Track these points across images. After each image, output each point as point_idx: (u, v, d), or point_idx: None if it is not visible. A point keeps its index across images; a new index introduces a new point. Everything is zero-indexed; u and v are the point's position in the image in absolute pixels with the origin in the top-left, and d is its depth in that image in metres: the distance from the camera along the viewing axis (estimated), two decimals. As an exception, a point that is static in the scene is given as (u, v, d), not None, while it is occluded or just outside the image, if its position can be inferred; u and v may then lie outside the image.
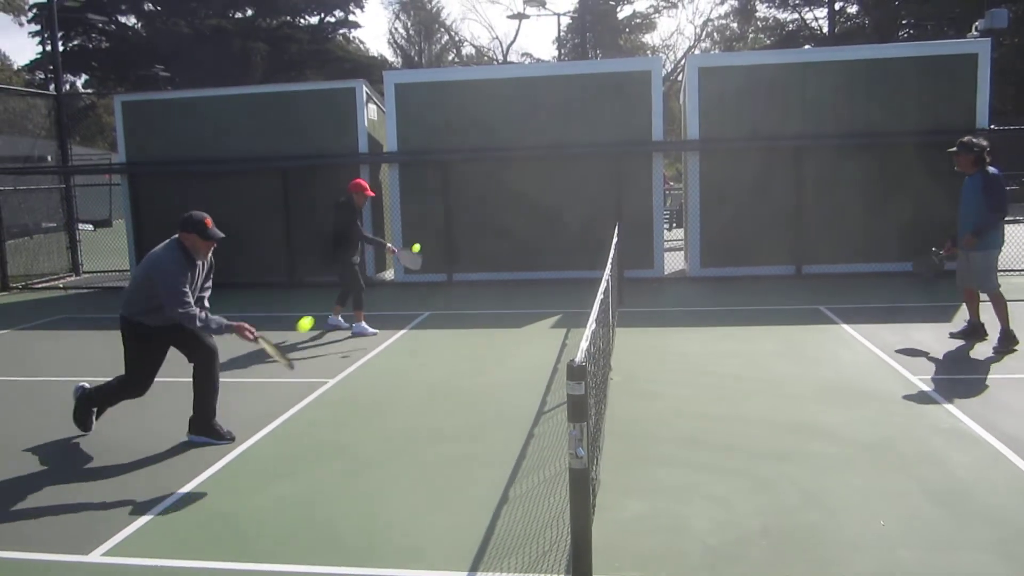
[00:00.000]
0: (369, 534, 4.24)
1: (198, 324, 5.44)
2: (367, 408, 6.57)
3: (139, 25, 50.82)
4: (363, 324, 9.36)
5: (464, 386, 7.11)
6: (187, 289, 5.47)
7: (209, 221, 5.58)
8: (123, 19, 50.82)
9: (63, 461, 5.56)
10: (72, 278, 15.79)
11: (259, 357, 8.49)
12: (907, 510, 4.26)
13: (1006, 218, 7.66)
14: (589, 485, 3.28)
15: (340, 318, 9.68)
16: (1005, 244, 7.81)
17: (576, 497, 3.23)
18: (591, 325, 4.11)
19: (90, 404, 6.07)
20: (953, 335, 8.12)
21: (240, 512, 4.59)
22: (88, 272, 16.22)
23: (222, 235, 5.61)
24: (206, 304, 5.93)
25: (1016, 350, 7.47)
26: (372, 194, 9.52)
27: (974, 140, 7.75)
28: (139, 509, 4.62)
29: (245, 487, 4.97)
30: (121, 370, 5.93)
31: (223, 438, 5.78)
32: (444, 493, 4.74)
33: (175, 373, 6.36)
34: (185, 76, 45.07)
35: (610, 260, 7.33)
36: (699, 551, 3.91)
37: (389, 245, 9.73)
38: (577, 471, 3.19)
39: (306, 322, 6.30)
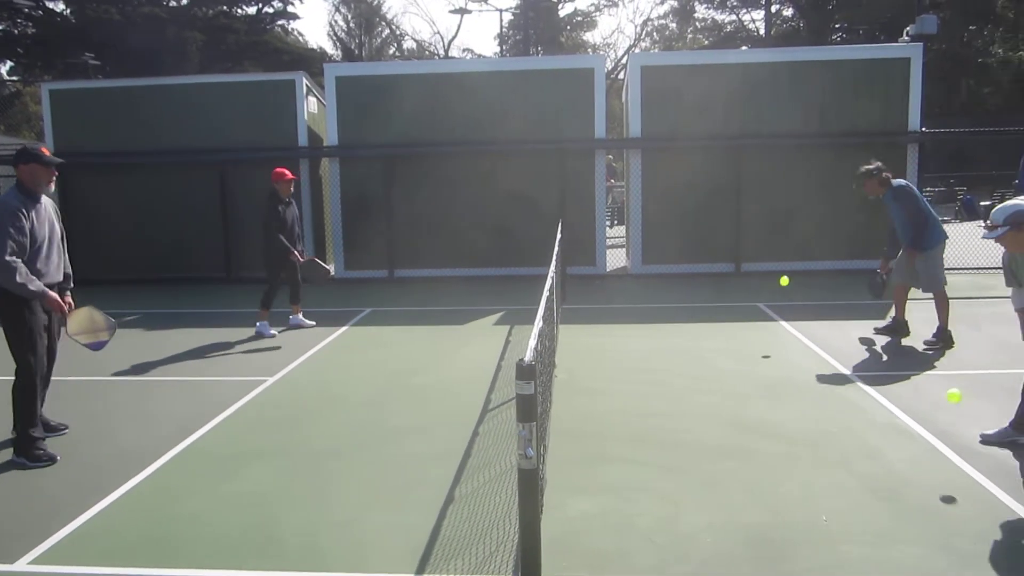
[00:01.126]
0: (311, 536, 4.13)
1: (16, 279, 5.01)
2: (308, 406, 6.43)
3: (68, 11, 49.08)
4: (266, 324, 9.02)
5: (407, 384, 7.01)
6: (15, 234, 5.03)
7: (45, 149, 5.35)
8: (51, 4, 49.01)
9: (-14, 465, 5.30)
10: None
11: (195, 355, 8.26)
12: (848, 505, 4.33)
13: (939, 218, 7.89)
14: (538, 486, 3.23)
15: (300, 316, 9.45)
16: (945, 241, 8.01)
17: (525, 497, 3.18)
18: (538, 323, 4.06)
19: (26, 433, 5.32)
20: (878, 330, 8.33)
21: (176, 515, 4.43)
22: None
23: (61, 160, 5.40)
24: (67, 269, 5.60)
25: (951, 348, 7.67)
26: (293, 177, 9.26)
27: (868, 167, 7.98)
28: (69, 514, 4.42)
29: (181, 489, 4.80)
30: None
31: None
32: (388, 493, 4.66)
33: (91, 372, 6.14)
34: (116, 65, 43.71)
35: (554, 257, 7.30)
36: (647, 549, 3.91)
37: (295, 252, 9.06)
38: (526, 471, 3.15)
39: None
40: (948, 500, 4.36)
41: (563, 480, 4.67)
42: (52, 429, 5.74)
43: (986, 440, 5.07)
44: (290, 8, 55.26)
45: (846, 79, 12.28)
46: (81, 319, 5.56)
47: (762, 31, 48.40)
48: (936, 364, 7.25)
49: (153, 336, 9.18)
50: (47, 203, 5.41)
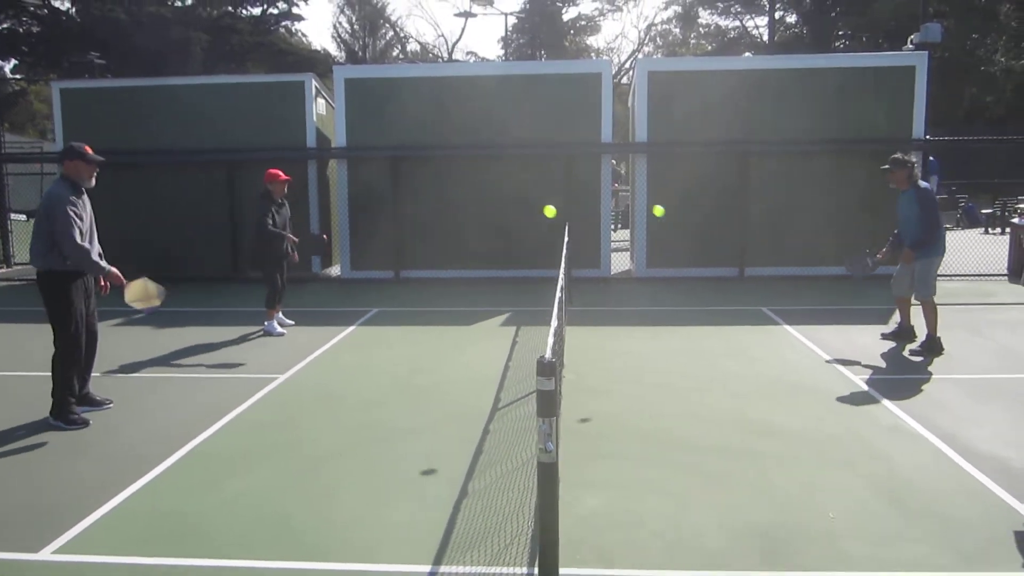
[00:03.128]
0: (328, 530, 4.22)
1: (90, 259, 5.71)
2: (319, 404, 6.52)
3: (73, 10, 49.23)
4: (274, 323, 9.16)
5: (417, 383, 7.10)
6: (76, 220, 5.68)
7: (88, 147, 5.91)
8: (56, 3, 49.19)
9: (7, 459, 5.38)
10: (3, 270, 15.25)
11: (204, 352, 8.36)
12: (854, 504, 4.42)
13: (941, 229, 7.97)
14: (558, 479, 3.32)
15: (280, 315, 9.49)
16: (944, 255, 8.10)
17: (544, 491, 3.27)
18: (554, 322, 4.15)
19: (64, 398, 5.94)
20: (884, 335, 8.43)
21: (194, 508, 4.52)
22: (20, 264, 15.68)
23: (102, 158, 5.95)
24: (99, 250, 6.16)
25: (939, 356, 7.75)
26: (287, 178, 9.30)
27: (905, 157, 8.07)
28: (90, 506, 4.51)
29: (198, 483, 4.89)
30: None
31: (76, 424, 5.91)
32: (402, 488, 4.75)
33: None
34: (121, 64, 43.82)
35: (563, 260, 7.40)
36: (656, 545, 4.00)
37: (289, 236, 9.19)
38: (546, 464, 3.23)
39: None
40: (952, 501, 4.45)
41: (573, 477, 4.76)
42: (97, 404, 6.30)
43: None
44: (295, 9, 55.43)
45: (852, 86, 12.39)
46: (136, 288, 6.05)
47: (765, 37, 48.58)
48: (937, 367, 7.34)
49: (162, 333, 9.27)
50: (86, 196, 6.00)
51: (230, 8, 51.07)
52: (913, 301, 8.14)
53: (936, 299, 7.89)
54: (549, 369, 3.19)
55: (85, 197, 5.96)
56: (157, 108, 13.26)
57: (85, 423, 5.92)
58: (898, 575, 3.70)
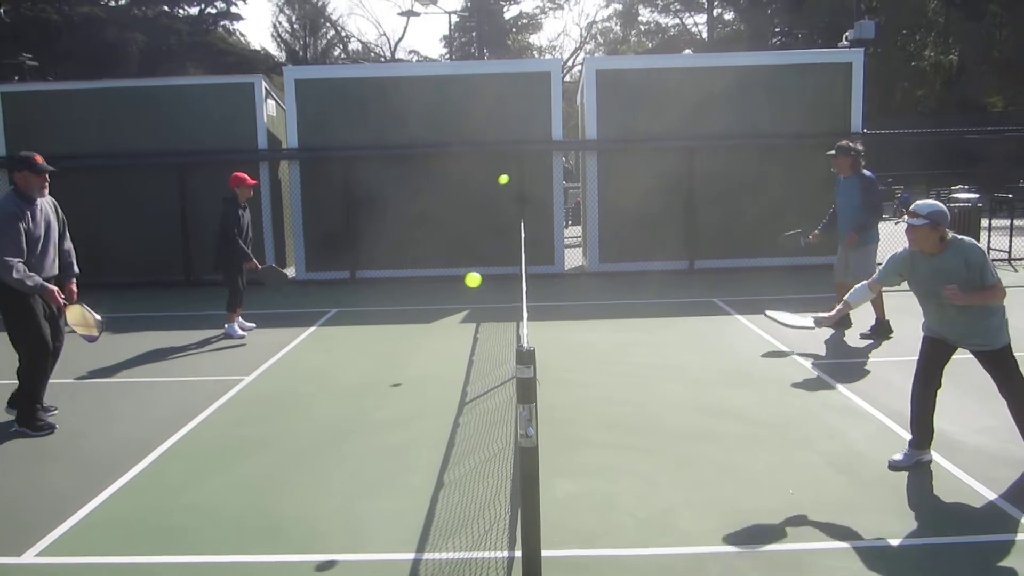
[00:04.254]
0: (311, 523, 4.32)
1: (14, 276, 5.46)
2: (289, 403, 6.58)
3: (2, 10, 47.79)
4: (235, 326, 9.12)
5: (383, 379, 7.20)
6: (13, 235, 5.48)
7: (39, 157, 5.72)
8: (-17, 3, 47.67)
9: (-26, 465, 5.35)
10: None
11: (166, 356, 8.33)
12: (813, 480, 4.68)
13: (882, 216, 8.32)
14: (538, 463, 3.48)
15: (240, 319, 9.47)
16: (879, 242, 8.47)
17: (527, 474, 3.43)
18: (526, 313, 4.31)
19: (30, 405, 5.88)
20: (864, 335, 8.37)
21: (175, 506, 4.57)
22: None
23: (52, 168, 5.76)
24: (76, 269, 6.13)
25: (889, 338, 8.13)
26: (254, 182, 9.31)
27: (851, 144, 8.34)
28: (70, 508, 4.53)
29: (176, 483, 4.94)
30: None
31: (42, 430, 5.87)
32: (380, 481, 4.86)
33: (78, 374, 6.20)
34: (54, 66, 42.70)
35: (523, 257, 7.57)
36: (630, 524, 4.19)
37: (253, 261, 9.13)
38: (527, 449, 3.40)
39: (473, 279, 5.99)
40: (904, 473, 4.73)
41: (547, 464, 4.86)
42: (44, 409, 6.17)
43: (895, 466, 4.83)
44: (233, 9, 54.61)
45: (792, 83, 12.81)
46: (75, 314, 5.93)
47: (704, 35, 49.45)
48: (881, 350, 7.70)
49: (118, 340, 9.17)
50: (45, 203, 5.81)
51: (166, 8, 50.10)
52: (894, 289, 8.47)
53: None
54: (528, 357, 3.35)
55: (42, 205, 5.75)
56: (104, 111, 13.05)
57: (51, 428, 5.90)
58: (855, 543, 3.94)
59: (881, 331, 8.23)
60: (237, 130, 12.96)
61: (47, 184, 5.78)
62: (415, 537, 4.10)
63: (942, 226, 4.51)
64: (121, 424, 6.11)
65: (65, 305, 5.84)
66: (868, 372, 6.98)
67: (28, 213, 5.61)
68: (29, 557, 4.03)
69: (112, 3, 49.26)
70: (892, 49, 37.35)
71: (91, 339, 5.99)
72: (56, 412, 6.24)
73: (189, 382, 7.30)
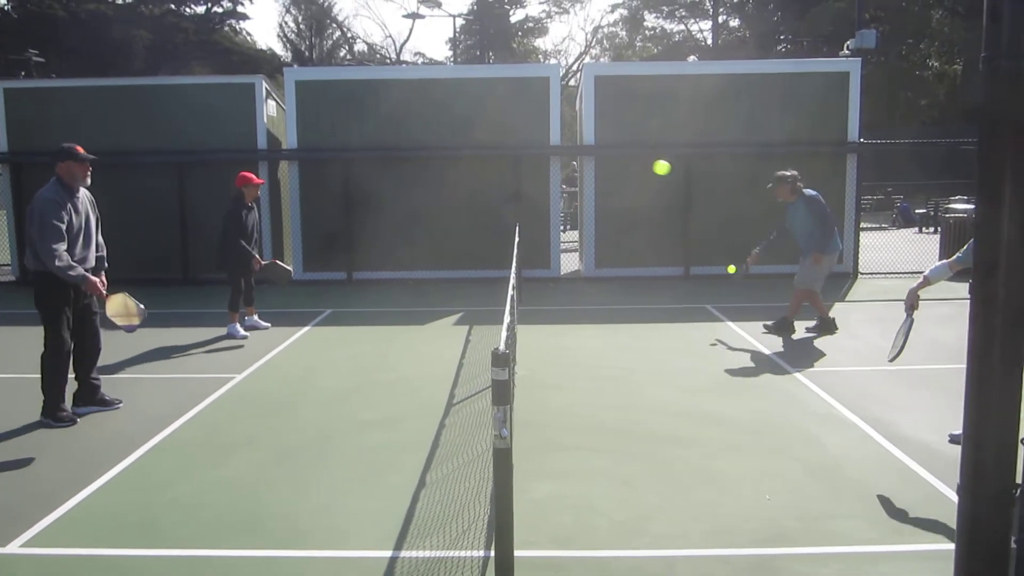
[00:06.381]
0: (293, 519, 4.38)
1: (57, 264, 5.63)
2: (278, 402, 6.64)
3: (8, 6, 48.02)
4: (236, 326, 9.15)
5: (373, 380, 7.27)
6: (60, 225, 5.67)
7: (80, 148, 5.91)
8: (-10, -1, 47.92)
9: (-37, 458, 5.42)
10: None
11: (159, 354, 8.40)
12: (789, 485, 4.74)
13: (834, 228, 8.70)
14: (511, 464, 3.54)
15: (256, 317, 9.59)
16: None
17: (500, 475, 3.48)
18: (507, 317, 4.37)
19: (53, 396, 5.98)
20: (808, 329, 8.95)
21: (160, 500, 4.64)
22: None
23: (93, 156, 5.99)
24: (105, 263, 6.27)
25: (787, 336, 8.60)
26: (260, 181, 9.41)
27: (785, 172, 8.72)
28: (56, 500, 4.60)
29: (163, 477, 5.01)
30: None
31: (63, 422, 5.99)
32: (364, 480, 4.93)
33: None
34: (60, 62, 42.90)
35: (515, 260, 7.63)
36: (606, 526, 4.25)
37: (256, 259, 9.24)
38: (500, 451, 3.44)
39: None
40: (878, 480, 4.79)
41: (527, 466, 4.98)
42: (108, 403, 6.35)
43: (953, 439, 5.21)
44: (240, 8, 54.84)
45: (790, 91, 12.86)
46: (117, 304, 6.09)
47: (709, 41, 49.52)
48: (867, 359, 7.75)
49: (115, 335, 9.23)
50: (84, 195, 6.00)
51: (173, 6, 50.30)
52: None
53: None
54: (503, 360, 3.40)
55: (81, 197, 5.94)
56: (105, 109, 13.13)
57: (73, 421, 6.00)
58: (830, 548, 4.00)
59: (824, 328, 8.82)
60: (237, 130, 13.03)
61: (90, 172, 5.97)
62: (393, 535, 4.16)
63: None
64: (111, 419, 6.18)
65: (106, 295, 5.96)
66: (853, 380, 7.03)
67: (70, 203, 5.80)
68: (14, 547, 4.10)
69: (119, 0, 49.47)
70: (896, 58, 37.38)
71: (130, 329, 6.18)
72: (120, 405, 6.39)
73: (181, 379, 7.38)
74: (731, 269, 9.31)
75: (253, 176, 9.29)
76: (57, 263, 5.63)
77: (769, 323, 8.84)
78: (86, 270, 5.92)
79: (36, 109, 13.18)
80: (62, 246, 5.69)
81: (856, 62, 13.14)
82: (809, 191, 8.63)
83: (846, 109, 12.81)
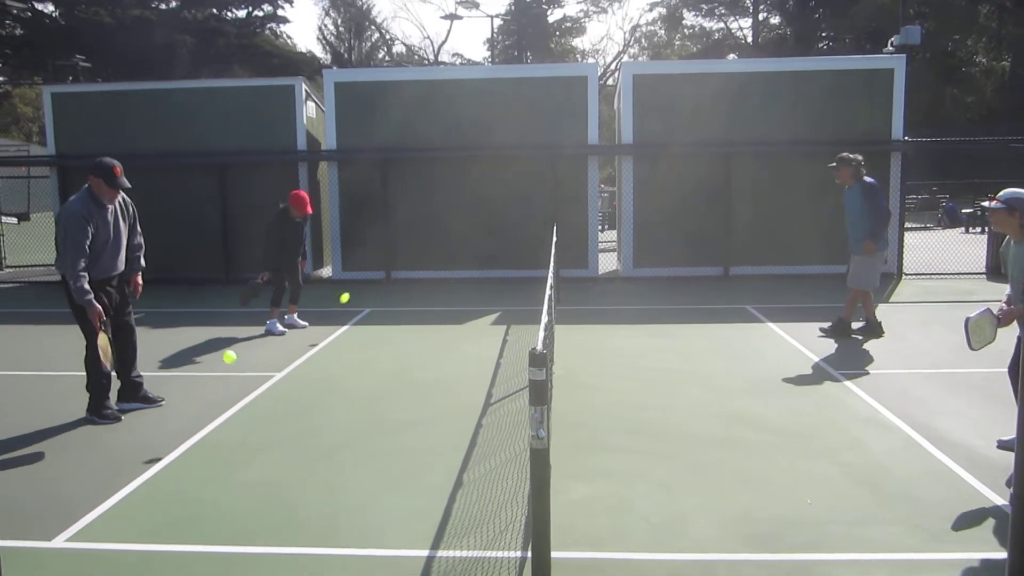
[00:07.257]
0: (331, 517, 4.41)
1: (73, 284, 5.72)
2: (315, 400, 6.70)
3: (57, 12, 49.08)
4: (275, 322, 9.37)
5: (410, 380, 7.29)
6: (84, 241, 5.72)
7: (119, 169, 5.88)
8: (40, 6, 49.02)
9: (19, 451, 5.54)
10: (-3, 273, 15.33)
11: (201, 351, 8.52)
12: (831, 490, 4.65)
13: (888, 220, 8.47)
14: (549, 464, 3.52)
15: (296, 316, 9.70)
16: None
17: (537, 476, 3.46)
18: (544, 317, 4.35)
19: (97, 394, 6.11)
20: (854, 332, 8.68)
21: (198, 499, 4.70)
22: (12, 267, 15.76)
23: (128, 185, 5.95)
24: (142, 263, 6.35)
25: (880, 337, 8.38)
26: (310, 211, 9.60)
27: (850, 155, 8.53)
28: (100, 496, 4.69)
29: (205, 474, 5.08)
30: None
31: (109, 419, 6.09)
32: (401, 479, 4.94)
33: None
34: (106, 67, 43.74)
35: (552, 260, 7.61)
36: (643, 529, 4.21)
37: (264, 275, 9.42)
38: (538, 451, 3.43)
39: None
40: (922, 487, 4.68)
41: (564, 467, 4.95)
42: (151, 401, 6.50)
43: (1002, 445, 5.12)
44: (280, 12, 55.43)
45: (832, 89, 12.67)
46: (103, 341, 5.98)
47: (749, 39, 48.98)
48: (914, 362, 7.59)
49: (159, 334, 9.41)
50: (116, 201, 6.01)
51: (215, 10, 51.01)
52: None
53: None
54: (540, 360, 3.38)
55: (111, 207, 5.95)
56: (148, 112, 13.39)
57: (118, 418, 6.11)
58: (872, 555, 3.92)
59: (871, 331, 8.55)
60: (277, 132, 13.20)
61: (117, 197, 5.98)
62: (430, 535, 4.17)
63: (1017, 212, 4.59)
64: (155, 416, 6.29)
65: (102, 329, 5.94)
66: (897, 383, 6.88)
67: (98, 215, 5.84)
68: (59, 542, 4.17)
69: (163, 6, 50.33)
70: (941, 55, 36.66)
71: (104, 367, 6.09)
72: (162, 403, 6.50)
73: (222, 377, 7.46)
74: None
75: (307, 201, 9.48)
76: (73, 283, 5.73)
77: (825, 326, 8.64)
78: (112, 276, 6.05)
79: (83, 113, 13.47)
80: (82, 263, 5.73)
81: (901, 59, 12.90)
82: (869, 178, 8.45)
83: (890, 106, 12.59)
